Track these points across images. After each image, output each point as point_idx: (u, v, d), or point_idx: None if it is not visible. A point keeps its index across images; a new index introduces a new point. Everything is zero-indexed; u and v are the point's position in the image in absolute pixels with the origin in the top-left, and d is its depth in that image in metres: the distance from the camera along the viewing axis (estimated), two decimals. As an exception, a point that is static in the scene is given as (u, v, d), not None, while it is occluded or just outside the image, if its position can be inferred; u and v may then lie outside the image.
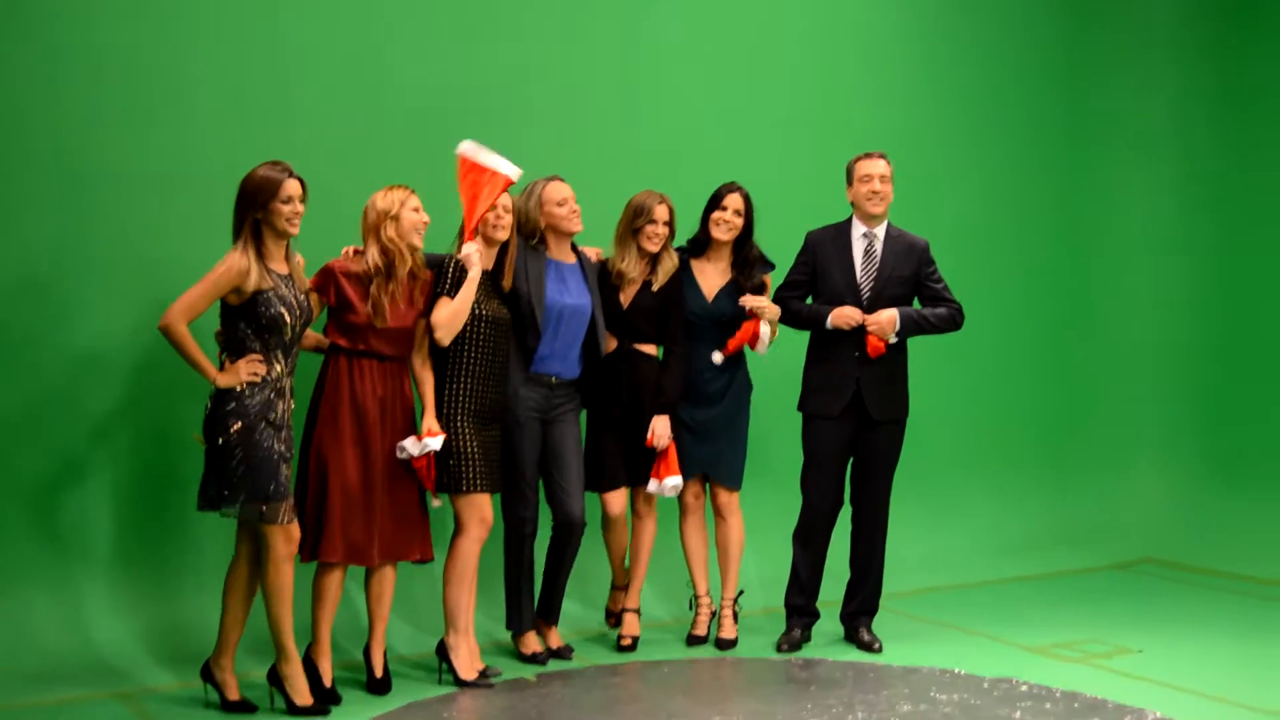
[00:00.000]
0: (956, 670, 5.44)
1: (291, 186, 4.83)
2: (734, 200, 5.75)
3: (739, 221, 5.76)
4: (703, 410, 5.82)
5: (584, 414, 5.81)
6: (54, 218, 5.48)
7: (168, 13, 5.64)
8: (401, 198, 5.16)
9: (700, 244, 5.87)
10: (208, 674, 5.05)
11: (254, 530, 4.88)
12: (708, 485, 5.97)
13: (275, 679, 5.01)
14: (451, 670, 5.38)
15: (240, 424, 4.77)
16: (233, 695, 5.00)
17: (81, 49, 5.49)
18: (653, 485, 5.68)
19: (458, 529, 5.36)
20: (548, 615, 5.74)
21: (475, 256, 5.29)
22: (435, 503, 5.26)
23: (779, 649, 5.85)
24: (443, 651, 5.40)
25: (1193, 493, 8.11)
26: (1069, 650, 5.84)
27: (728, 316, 5.79)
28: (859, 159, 5.85)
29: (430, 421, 5.23)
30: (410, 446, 5.12)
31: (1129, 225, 8.31)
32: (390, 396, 5.17)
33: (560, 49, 6.51)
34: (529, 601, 5.72)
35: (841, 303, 5.76)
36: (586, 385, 5.72)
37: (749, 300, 5.68)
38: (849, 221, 5.91)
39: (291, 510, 4.89)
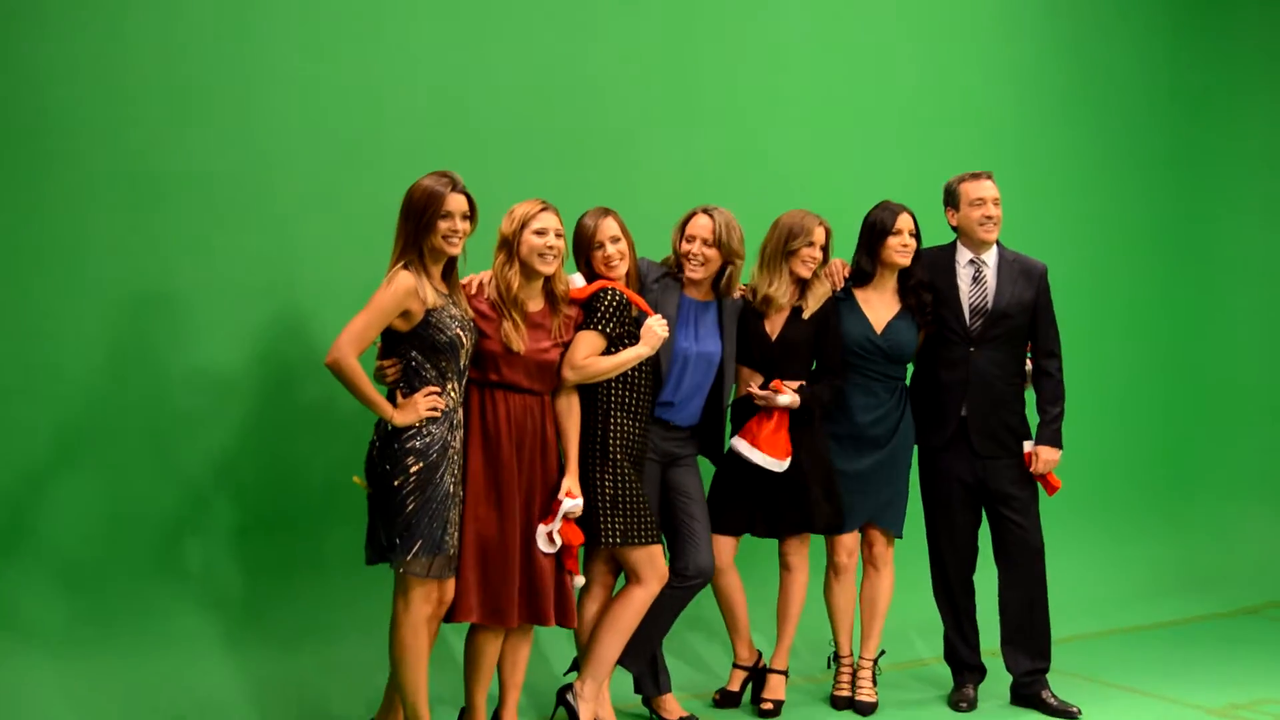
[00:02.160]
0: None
1: (454, 202, 4.32)
2: (907, 222, 5.23)
3: (915, 244, 5.26)
4: (867, 457, 5.30)
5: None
6: (186, 232, 5.00)
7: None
8: (524, 214, 4.58)
9: (865, 275, 5.34)
10: None
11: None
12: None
13: None
14: None
15: (420, 464, 4.26)
16: None
17: (219, 66, 5.06)
18: (744, 448, 5.09)
19: (631, 580, 4.83)
20: (635, 658, 5.06)
21: (663, 331, 4.78)
22: (579, 579, 4.70)
23: (956, 708, 5.37)
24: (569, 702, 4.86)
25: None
26: (1252, 713, 5.37)
27: (901, 349, 5.29)
28: (965, 180, 5.36)
29: (572, 482, 4.67)
30: (544, 540, 4.58)
31: (1240, 256, 7.91)
32: (530, 435, 4.58)
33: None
34: (663, 660, 5.18)
35: (949, 336, 5.30)
36: (707, 432, 5.16)
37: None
38: (952, 246, 5.43)
39: (451, 565, 4.37)
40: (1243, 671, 6.03)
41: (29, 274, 4.77)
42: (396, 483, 4.26)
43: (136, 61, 4.90)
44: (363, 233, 5.15)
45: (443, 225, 4.30)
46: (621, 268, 4.82)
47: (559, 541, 4.56)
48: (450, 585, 4.42)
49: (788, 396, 5.07)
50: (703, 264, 4.99)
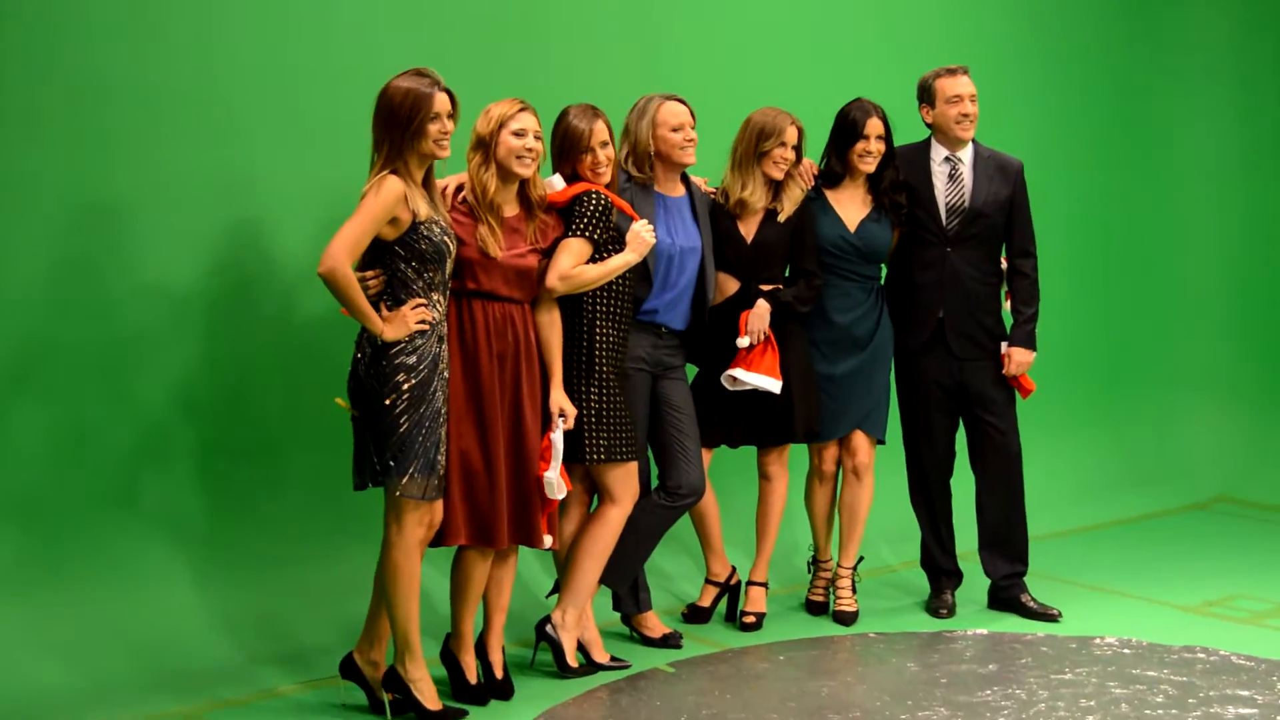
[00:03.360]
0: (1137, 640, 4.92)
1: (441, 102, 4.07)
2: (875, 126, 5.06)
3: (882, 147, 5.10)
4: (849, 359, 5.16)
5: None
6: (134, 142, 4.67)
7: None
8: (502, 114, 4.34)
9: (835, 176, 5.18)
10: (391, 676, 4.32)
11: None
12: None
13: (396, 683, 4.27)
14: (584, 652, 4.73)
15: (413, 380, 4.04)
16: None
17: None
18: (741, 373, 4.91)
19: (606, 499, 4.67)
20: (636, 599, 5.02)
21: (650, 237, 4.58)
22: (547, 541, 4.48)
23: (937, 614, 5.31)
24: (550, 634, 4.70)
25: (1259, 428, 7.72)
26: (1226, 609, 5.39)
27: (875, 248, 5.15)
28: (940, 76, 5.20)
29: (560, 396, 4.48)
30: (556, 487, 4.41)
31: (1191, 155, 7.82)
32: (510, 346, 4.36)
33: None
34: (643, 577, 5.05)
35: (924, 237, 5.18)
36: (694, 337, 4.98)
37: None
38: (927, 144, 5.29)
39: (442, 486, 4.19)
40: (1207, 568, 6.07)
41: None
42: (388, 401, 4.05)
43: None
44: (321, 138, 4.92)
45: (433, 129, 4.05)
46: (608, 175, 4.61)
47: (564, 488, 4.43)
48: (439, 507, 4.24)
49: (745, 339, 4.93)
50: (693, 147, 4.81)
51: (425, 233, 4.08)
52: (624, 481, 4.65)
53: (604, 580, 4.80)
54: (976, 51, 6.29)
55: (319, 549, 5.01)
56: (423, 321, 4.10)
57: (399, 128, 4.03)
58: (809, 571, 5.49)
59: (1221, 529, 6.94)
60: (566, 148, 4.57)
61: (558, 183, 4.55)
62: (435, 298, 4.16)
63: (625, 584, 4.93)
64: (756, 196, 5.01)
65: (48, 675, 4.43)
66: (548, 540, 4.48)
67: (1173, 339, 7.83)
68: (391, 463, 4.06)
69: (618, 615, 5.11)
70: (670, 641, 4.97)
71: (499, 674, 4.53)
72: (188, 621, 4.72)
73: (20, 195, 4.50)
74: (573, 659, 4.67)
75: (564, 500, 4.62)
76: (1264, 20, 7.76)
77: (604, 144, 4.56)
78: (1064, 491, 7.02)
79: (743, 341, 4.93)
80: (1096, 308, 7.50)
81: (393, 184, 4.02)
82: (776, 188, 5.07)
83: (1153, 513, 7.19)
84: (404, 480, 4.07)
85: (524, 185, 4.43)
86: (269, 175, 4.89)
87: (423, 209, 4.08)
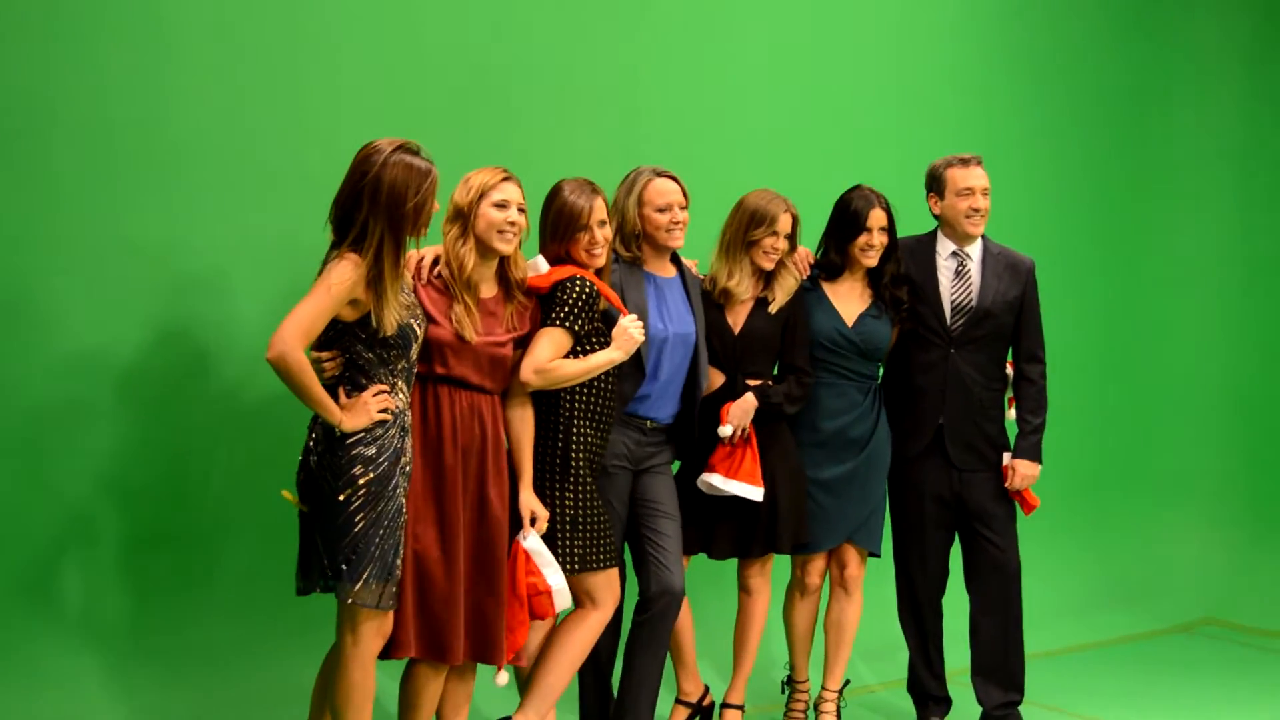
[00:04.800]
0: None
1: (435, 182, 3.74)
2: (878, 218, 4.73)
3: (885, 239, 4.77)
4: (847, 462, 4.80)
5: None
6: (65, 184, 4.27)
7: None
8: (483, 184, 3.96)
9: (834, 267, 4.85)
10: None
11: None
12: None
13: None
14: None
15: (371, 475, 3.64)
16: None
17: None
18: (718, 480, 4.54)
19: (586, 603, 4.26)
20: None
21: (639, 335, 4.20)
22: (502, 678, 4.06)
23: (924, 744, 4.92)
24: None
25: (1246, 548, 7.47)
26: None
27: (874, 345, 4.81)
28: (952, 165, 4.90)
29: (530, 498, 4.08)
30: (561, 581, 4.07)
31: (1186, 266, 7.58)
32: (477, 442, 3.95)
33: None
34: (610, 690, 4.64)
35: (927, 336, 4.87)
36: (682, 432, 4.60)
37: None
38: (933, 236, 4.98)
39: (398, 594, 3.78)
40: (1206, 699, 5.78)
41: None
42: (342, 497, 3.63)
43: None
44: (280, 198, 4.55)
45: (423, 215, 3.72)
46: (603, 257, 4.24)
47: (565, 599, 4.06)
48: (392, 615, 3.80)
49: (727, 427, 4.56)
50: (681, 230, 4.47)
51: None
52: (605, 586, 4.26)
53: None
54: (979, 140, 5.98)
55: (250, 652, 4.56)
56: (385, 410, 3.70)
57: (395, 206, 3.64)
58: (783, 692, 5.10)
59: (1212, 654, 6.62)
60: (561, 226, 4.19)
61: (542, 265, 4.17)
62: (399, 384, 3.77)
63: (649, 718, 4.52)
64: (743, 286, 4.67)
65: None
66: (504, 676, 4.05)
67: (1160, 452, 7.57)
68: (344, 566, 3.64)
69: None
70: None
71: (454, 800, 4.08)
72: (99, 725, 4.27)
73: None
74: None
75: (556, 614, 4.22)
76: (1265, 134, 7.60)
77: (602, 223, 4.20)
78: (1046, 609, 6.63)
79: (724, 430, 4.56)
80: (1081, 416, 7.17)
81: (351, 265, 3.61)
82: (768, 277, 4.73)
83: (1138, 634, 6.87)
84: (357, 586, 3.65)
85: (503, 264, 4.06)
86: (219, 234, 4.49)
87: (394, 312, 3.68)
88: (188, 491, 4.48)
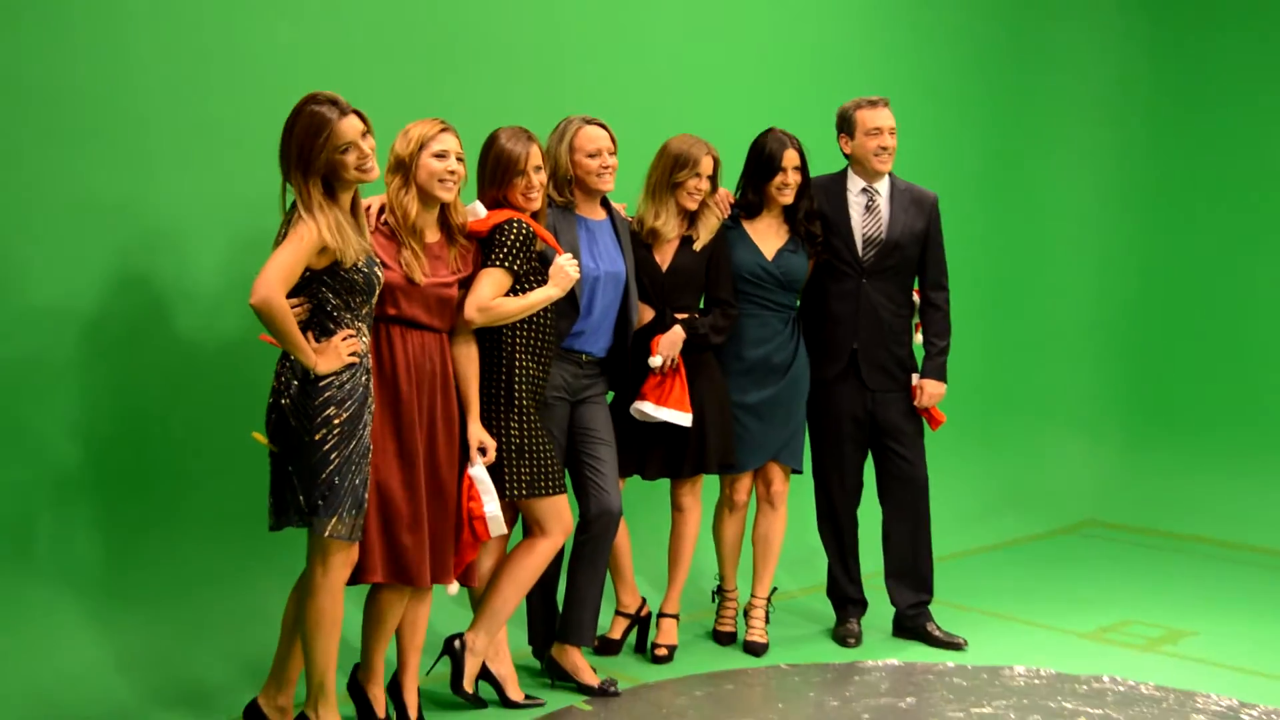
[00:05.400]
0: (1045, 670, 4.98)
1: (348, 129, 3.84)
2: (791, 158, 5.03)
3: (799, 178, 5.07)
4: (770, 386, 5.13)
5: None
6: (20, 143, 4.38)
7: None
8: (422, 135, 4.19)
9: (752, 206, 5.15)
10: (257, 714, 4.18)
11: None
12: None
13: None
14: (498, 689, 4.61)
15: (344, 415, 3.86)
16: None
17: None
18: (649, 407, 4.85)
19: (536, 530, 4.55)
20: (579, 635, 4.80)
21: (574, 272, 4.47)
22: (452, 589, 4.39)
23: (845, 643, 5.31)
24: (486, 672, 4.60)
25: (1121, 456, 8.02)
26: (1121, 635, 5.52)
27: (793, 277, 5.13)
28: (861, 107, 5.20)
29: (478, 430, 4.37)
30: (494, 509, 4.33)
31: (1058, 178, 8.03)
32: (428, 378, 4.22)
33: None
34: (555, 608, 4.96)
35: (840, 268, 5.20)
36: (616, 364, 4.91)
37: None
38: (844, 174, 5.29)
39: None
40: (1093, 592, 6.24)
41: None
42: (317, 437, 3.86)
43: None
44: (233, 151, 4.71)
45: (349, 159, 3.86)
46: (539, 200, 4.48)
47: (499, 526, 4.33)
48: (358, 546, 4.06)
49: (657, 358, 4.87)
50: (611, 174, 4.74)
51: (354, 261, 3.91)
52: (553, 515, 4.54)
53: (574, 640, 4.76)
54: (884, 85, 6.29)
55: (218, 583, 4.78)
56: (354, 354, 3.94)
57: (305, 159, 3.83)
58: (714, 601, 5.45)
59: (1095, 551, 7.14)
60: (499, 172, 4.43)
61: (480, 209, 4.42)
62: (362, 328, 4.00)
63: (593, 629, 4.81)
64: (670, 226, 4.96)
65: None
66: (455, 587, 4.36)
67: (1042, 373, 8.04)
68: (319, 502, 3.87)
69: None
70: (608, 689, 4.76)
71: (413, 716, 4.37)
72: (79, 660, 4.46)
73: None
74: (469, 685, 4.55)
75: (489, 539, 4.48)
76: (1137, 68, 8.06)
77: (537, 168, 4.45)
78: (947, 516, 7.05)
79: (654, 361, 4.86)
80: (972, 340, 7.53)
81: (317, 221, 3.82)
82: (692, 216, 5.02)
83: (1028, 536, 7.37)
84: (332, 521, 3.89)
85: (444, 210, 4.29)
86: (173, 188, 4.65)
87: (352, 246, 3.89)
88: (152, 435, 4.66)
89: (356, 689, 4.35)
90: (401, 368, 4.16)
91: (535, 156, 4.44)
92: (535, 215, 4.51)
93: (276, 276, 3.76)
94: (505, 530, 4.38)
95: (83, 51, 4.47)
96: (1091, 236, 8.14)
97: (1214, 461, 7.66)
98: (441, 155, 4.18)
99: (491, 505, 4.30)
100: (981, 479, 7.60)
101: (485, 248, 4.39)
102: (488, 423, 4.43)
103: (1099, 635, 5.52)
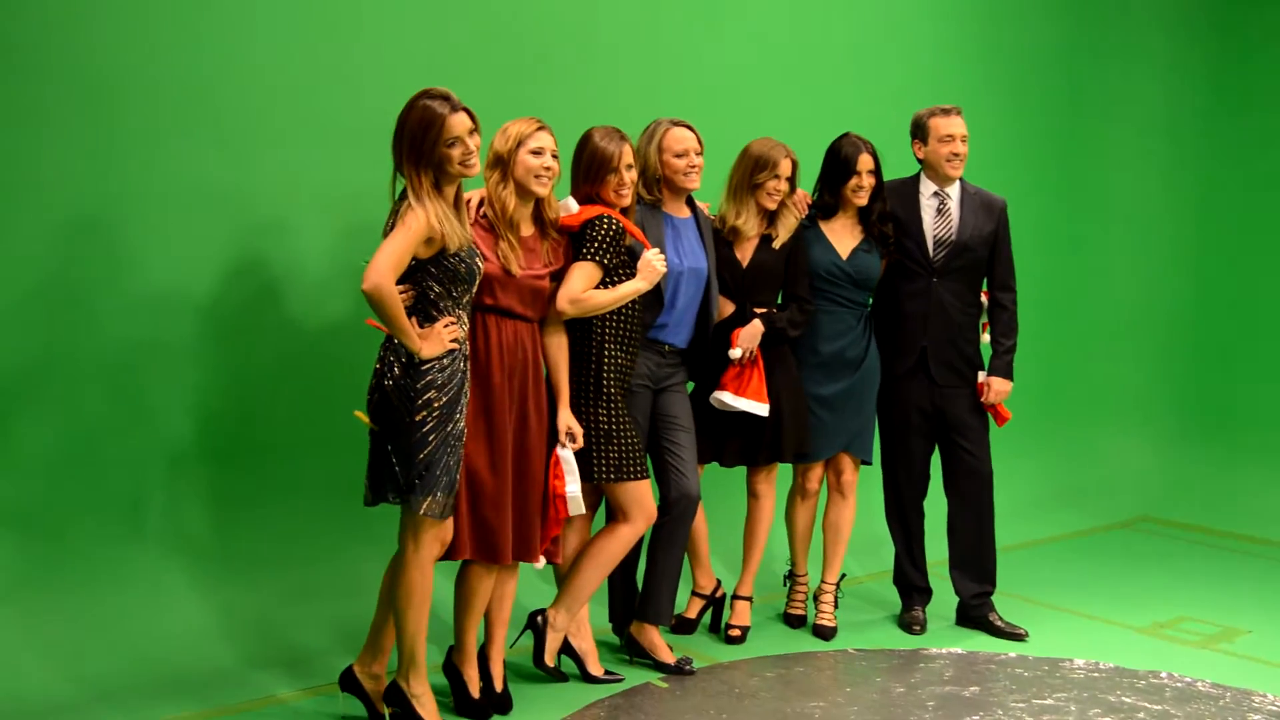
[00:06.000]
0: (1104, 664, 5.14)
1: (459, 124, 4.02)
2: (866, 162, 5.21)
3: (873, 181, 5.26)
4: (843, 380, 5.32)
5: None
6: (137, 143, 4.62)
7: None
8: (520, 133, 4.37)
9: (828, 207, 5.33)
10: (394, 690, 4.34)
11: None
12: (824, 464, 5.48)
13: (398, 698, 4.30)
14: (580, 664, 4.82)
15: (443, 399, 4.05)
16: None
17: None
18: (728, 397, 5.04)
19: (618, 516, 4.75)
20: (657, 615, 4.99)
21: (661, 266, 4.65)
22: (539, 564, 4.59)
23: (910, 630, 5.50)
24: (568, 647, 4.83)
25: (1176, 454, 8.15)
26: (1177, 631, 5.66)
27: (866, 276, 5.31)
28: (935, 115, 5.37)
29: (568, 417, 4.57)
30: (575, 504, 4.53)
31: (1114, 183, 8.15)
32: (520, 365, 4.40)
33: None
34: (636, 588, 5.14)
35: (911, 268, 5.36)
36: (696, 355, 5.10)
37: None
38: (916, 179, 5.47)
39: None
40: (1148, 587, 6.36)
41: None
42: (419, 418, 4.05)
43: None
44: (338, 142, 4.96)
45: (455, 153, 4.03)
46: (630, 197, 4.68)
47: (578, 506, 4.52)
48: (450, 523, 4.25)
49: (737, 350, 5.05)
50: (697, 174, 4.92)
51: (458, 251, 4.09)
52: (636, 500, 4.72)
53: (652, 619, 4.95)
54: (954, 94, 6.51)
55: (319, 554, 5.03)
56: (454, 340, 4.12)
57: (417, 151, 4.01)
58: (784, 585, 5.65)
59: (1150, 548, 7.24)
60: (592, 169, 4.62)
61: (573, 205, 4.60)
62: (463, 316, 4.18)
63: (670, 609, 5.00)
64: (750, 224, 5.15)
65: (48, 680, 4.40)
66: (541, 562, 4.56)
67: (1100, 371, 8.17)
68: (416, 481, 4.06)
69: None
70: (683, 668, 4.95)
71: (499, 687, 4.57)
72: (186, 623, 4.72)
73: (26, 200, 4.45)
74: (550, 659, 4.76)
75: (570, 516, 4.67)
76: (1192, 66, 8.17)
77: (629, 166, 4.63)
78: (1007, 509, 7.16)
79: (734, 353, 5.04)
80: (1034, 341, 7.56)
81: (426, 210, 4.00)
82: (771, 216, 5.21)
83: (1085, 530, 7.49)
84: (427, 500, 4.08)
85: (539, 205, 4.48)
86: (284, 179, 4.89)
87: (456, 234, 4.07)
88: (261, 413, 4.90)
89: (452, 670, 4.55)
90: (495, 355, 4.34)
91: (627, 155, 4.62)
92: (625, 211, 4.69)
93: (387, 263, 3.92)
94: (584, 510, 4.56)
95: (206, 46, 4.70)
96: (1146, 236, 8.26)
97: (1269, 459, 7.79)
98: (538, 152, 4.36)
99: (573, 486, 4.49)
100: (1039, 474, 7.75)
101: (576, 242, 4.57)
102: (577, 410, 4.62)
103: (1155, 631, 5.66)
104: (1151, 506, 7.96)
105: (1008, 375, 5.47)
